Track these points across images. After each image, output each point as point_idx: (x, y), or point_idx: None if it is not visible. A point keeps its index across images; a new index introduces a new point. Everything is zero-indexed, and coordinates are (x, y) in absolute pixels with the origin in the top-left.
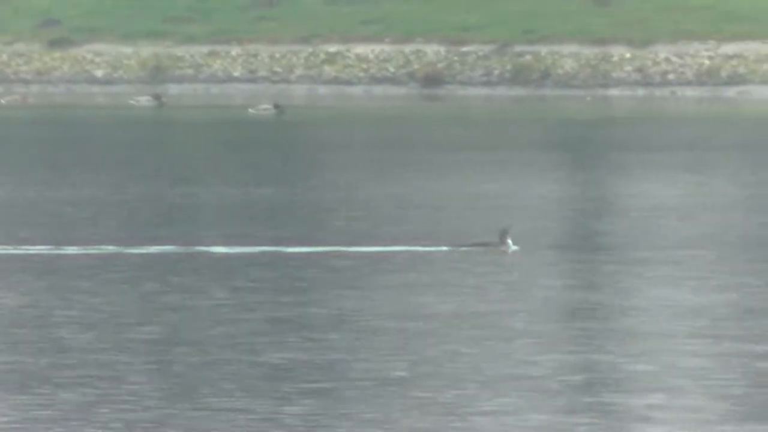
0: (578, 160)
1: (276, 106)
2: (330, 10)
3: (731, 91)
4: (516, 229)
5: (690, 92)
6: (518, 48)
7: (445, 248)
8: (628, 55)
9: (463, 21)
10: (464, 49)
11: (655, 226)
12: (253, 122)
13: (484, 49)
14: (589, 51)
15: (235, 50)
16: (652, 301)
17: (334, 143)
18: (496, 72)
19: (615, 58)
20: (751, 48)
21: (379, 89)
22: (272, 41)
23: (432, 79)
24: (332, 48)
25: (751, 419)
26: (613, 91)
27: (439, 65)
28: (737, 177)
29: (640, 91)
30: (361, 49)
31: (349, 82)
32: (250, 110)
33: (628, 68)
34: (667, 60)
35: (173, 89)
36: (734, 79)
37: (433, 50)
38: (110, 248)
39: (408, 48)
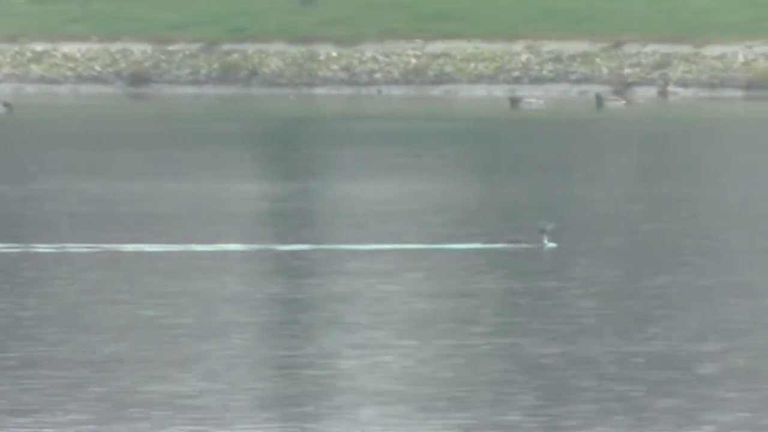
0: (279, 156)
1: (5, 105)
2: (37, 8)
3: (438, 90)
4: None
5: (396, 91)
6: (225, 47)
7: (480, 245)
8: (334, 54)
9: (170, 20)
10: (171, 47)
11: (352, 221)
12: None
13: (191, 48)
14: (295, 50)
15: None
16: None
17: (69, 140)
18: (204, 71)
19: (322, 57)
20: (457, 47)
21: (85, 88)
22: None
23: (138, 78)
24: (39, 47)
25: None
26: (320, 90)
27: (146, 64)
28: (438, 174)
29: (347, 90)
30: (68, 47)
31: (55, 81)
32: None
33: (335, 67)
34: (374, 59)
35: None
36: (441, 78)
37: (140, 49)
38: None
39: (115, 47)
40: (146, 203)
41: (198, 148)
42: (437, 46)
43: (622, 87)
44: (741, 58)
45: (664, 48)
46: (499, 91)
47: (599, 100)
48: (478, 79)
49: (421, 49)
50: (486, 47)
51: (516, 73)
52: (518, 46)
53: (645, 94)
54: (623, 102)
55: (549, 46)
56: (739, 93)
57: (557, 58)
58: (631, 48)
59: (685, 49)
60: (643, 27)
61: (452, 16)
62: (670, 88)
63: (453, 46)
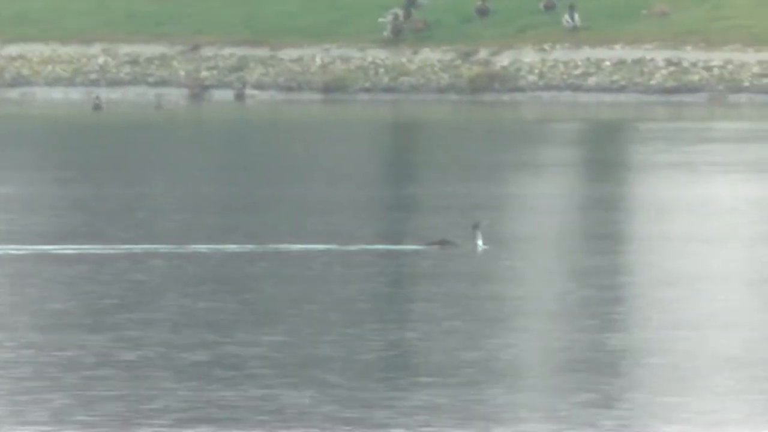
0: None
1: None
2: None
3: (14, 93)
4: None
5: None
6: None
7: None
8: None
9: None
10: None
11: None
12: None
13: None
14: None
15: None
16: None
17: None
18: None
19: None
20: (33, 49)
21: None
22: None
23: None
24: None
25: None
26: None
27: None
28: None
29: None
30: None
31: None
32: None
33: None
34: None
35: None
36: (18, 81)
37: None
38: None
39: None
40: None
41: None
42: (14, 49)
43: (200, 90)
44: (318, 61)
45: (242, 51)
46: (76, 94)
47: None
48: (55, 81)
49: None
50: (63, 50)
51: (93, 76)
52: (95, 49)
53: (221, 97)
54: None
55: (126, 49)
56: (317, 96)
57: (134, 61)
58: (208, 51)
59: (263, 51)
60: (220, 30)
61: (29, 19)
62: (248, 90)
63: (30, 48)
